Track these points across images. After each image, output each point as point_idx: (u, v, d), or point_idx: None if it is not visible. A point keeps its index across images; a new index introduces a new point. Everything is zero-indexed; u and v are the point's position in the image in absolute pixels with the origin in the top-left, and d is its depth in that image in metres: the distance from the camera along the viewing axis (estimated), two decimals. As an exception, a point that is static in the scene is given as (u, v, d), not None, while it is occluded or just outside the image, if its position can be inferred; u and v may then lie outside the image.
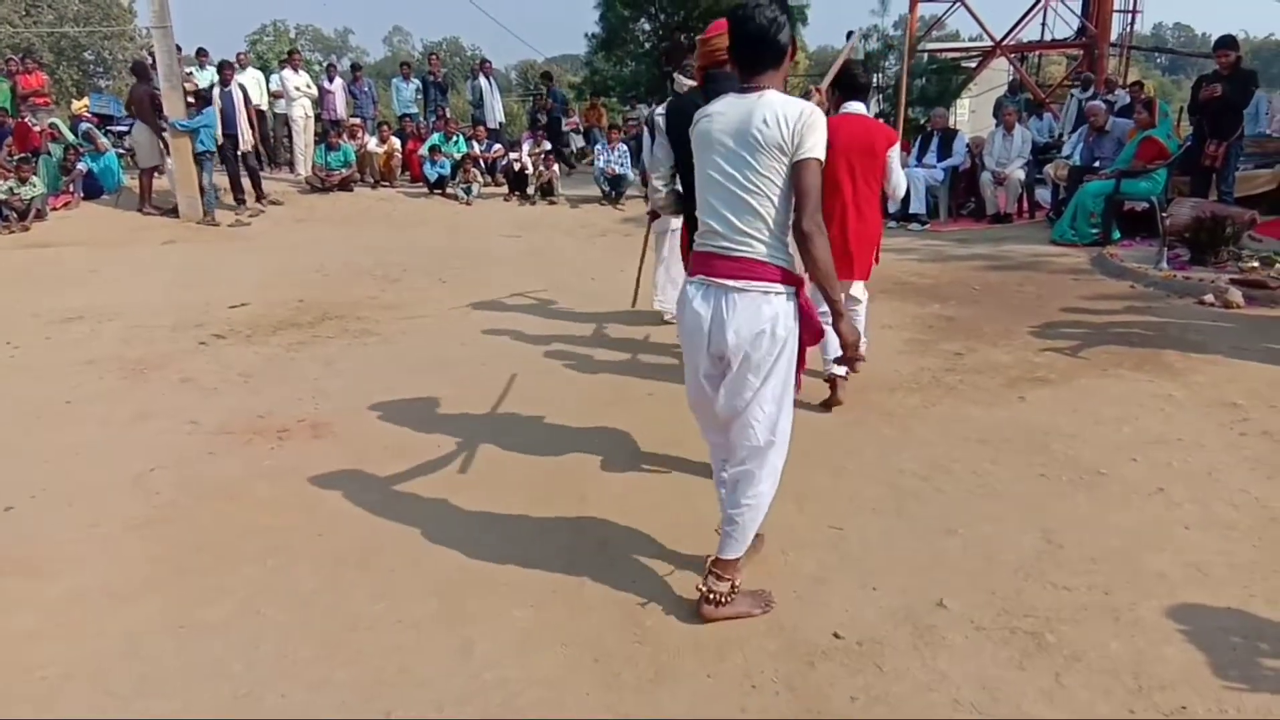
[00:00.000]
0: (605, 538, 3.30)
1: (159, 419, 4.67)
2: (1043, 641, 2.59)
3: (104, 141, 12.95)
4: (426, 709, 2.39)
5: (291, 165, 14.41)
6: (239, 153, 11.96)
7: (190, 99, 11.55)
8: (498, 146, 14.80)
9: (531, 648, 2.64)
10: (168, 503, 3.68)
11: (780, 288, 2.65)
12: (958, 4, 18.65)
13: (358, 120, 14.53)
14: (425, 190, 13.65)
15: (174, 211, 11.62)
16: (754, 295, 2.63)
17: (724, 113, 2.67)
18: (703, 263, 2.72)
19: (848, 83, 4.56)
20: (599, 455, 4.09)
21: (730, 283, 2.64)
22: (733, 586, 2.77)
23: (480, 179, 13.83)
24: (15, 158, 11.13)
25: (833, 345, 3.96)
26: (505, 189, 13.99)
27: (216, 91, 11.75)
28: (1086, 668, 2.46)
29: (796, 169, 2.57)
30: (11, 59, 14.06)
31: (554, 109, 15.93)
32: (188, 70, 12.96)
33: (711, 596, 2.75)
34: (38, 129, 12.31)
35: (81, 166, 12.07)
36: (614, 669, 2.53)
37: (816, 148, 2.56)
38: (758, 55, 2.70)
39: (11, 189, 10.73)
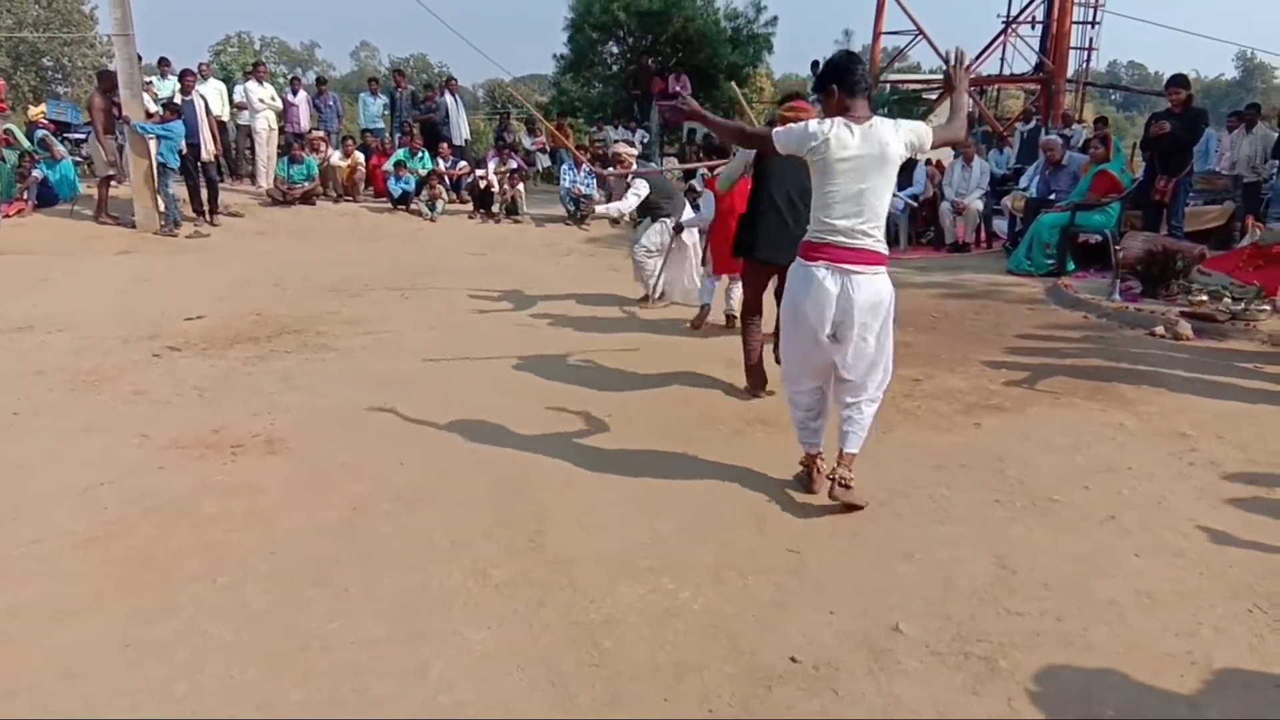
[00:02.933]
0: (565, 557, 3.28)
1: (109, 432, 4.57)
2: (996, 667, 2.61)
3: (60, 149, 12.69)
4: (378, 732, 2.36)
5: (253, 177, 14.24)
6: (200, 163, 11.80)
7: (162, 109, 11.38)
8: (463, 163, 14.78)
9: (488, 670, 2.61)
10: (115, 518, 3.59)
11: (884, 268, 3.59)
12: (919, 37, 19.01)
13: (320, 133, 14.42)
14: (389, 205, 13.57)
15: (132, 221, 11.41)
16: (869, 275, 3.53)
17: (849, 134, 3.45)
18: (824, 251, 3.55)
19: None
20: (559, 473, 4.07)
21: (851, 267, 3.51)
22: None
23: (445, 195, 13.79)
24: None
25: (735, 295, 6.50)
26: (470, 206, 13.96)
27: (178, 100, 11.62)
28: (1038, 693, 2.48)
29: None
30: None
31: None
32: (147, 80, 12.77)
33: (844, 481, 3.63)
34: (-8, 135, 12.06)
35: (36, 174, 11.81)
36: (570, 692, 2.51)
37: (925, 141, 3.61)
38: (863, 86, 3.52)
39: None
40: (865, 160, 3.44)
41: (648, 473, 4.09)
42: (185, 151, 11.35)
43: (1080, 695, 2.47)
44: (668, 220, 7.72)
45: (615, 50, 20.05)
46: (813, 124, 3.52)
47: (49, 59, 38.78)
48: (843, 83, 3.51)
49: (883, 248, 3.58)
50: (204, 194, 11.98)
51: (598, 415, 4.88)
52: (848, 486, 3.63)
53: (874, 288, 3.54)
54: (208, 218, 11.94)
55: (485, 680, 2.57)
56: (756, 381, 5.32)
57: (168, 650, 2.69)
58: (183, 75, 12.35)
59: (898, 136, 3.48)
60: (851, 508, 3.63)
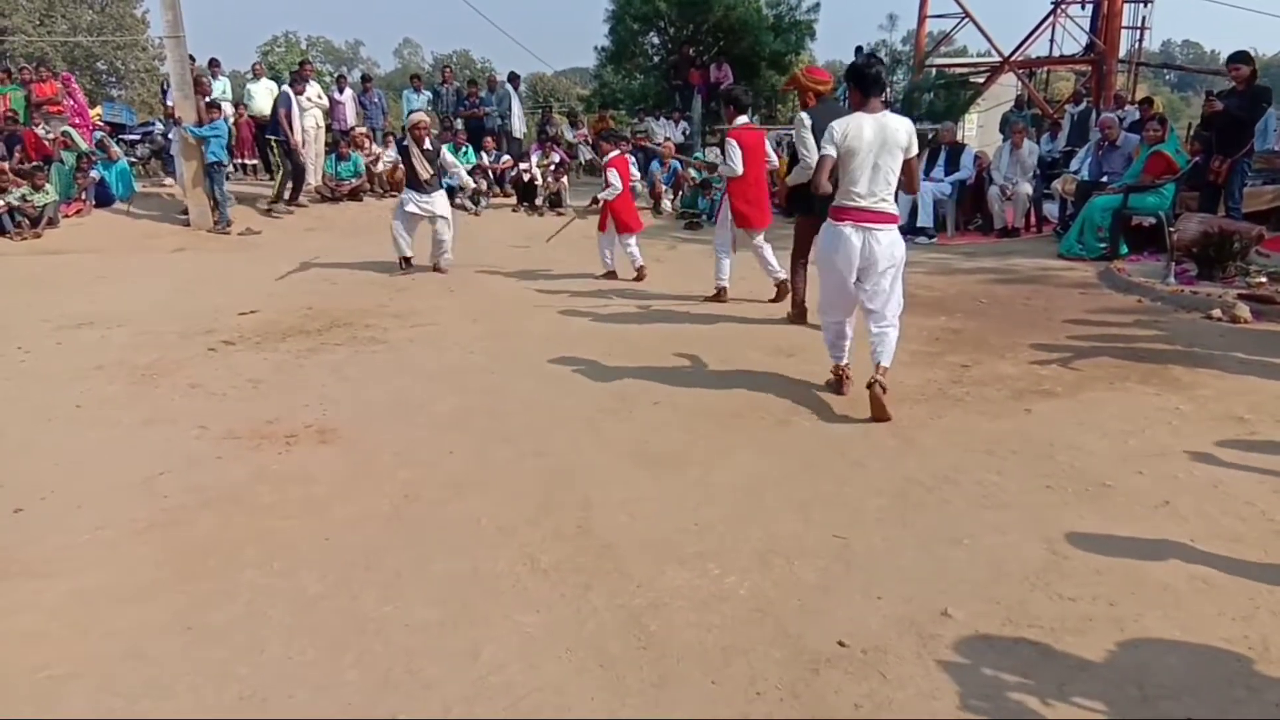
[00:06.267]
0: (611, 543, 3.31)
1: (167, 424, 4.70)
2: (1047, 651, 2.59)
3: (116, 150, 13.04)
4: (432, 711, 2.41)
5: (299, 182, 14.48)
6: (289, 152, 12.71)
7: (206, 108, 11.66)
8: (506, 157, 14.86)
9: (537, 652, 2.65)
10: (175, 506, 3.70)
11: (896, 225, 4.61)
12: (965, 20, 18.67)
13: (364, 130, 14.59)
14: None
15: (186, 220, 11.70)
16: (885, 231, 4.53)
17: (863, 125, 4.45)
18: (849, 214, 4.54)
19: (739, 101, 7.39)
20: (605, 461, 4.11)
21: (871, 226, 4.52)
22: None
23: (487, 190, 13.86)
24: (30, 165, 11.22)
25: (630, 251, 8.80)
26: (514, 200, 14.04)
27: (290, 102, 12.52)
28: (1091, 678, 2.46)
29: (908, 162, 4.55)
30: (25, 67, 14.12)
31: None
32: (210, 80, 13.24)
33: (881, 384, 4.48)
34: (51, 137, 12.39)
35: (94, 174, 12.15)
36: (618, 674, 2.54)
37: (916, 149, 4.56)
38: (876, 87, 4.56)
39: (24, 195, 10.82)
40: (877, 145, 4.44)
41: (694, 461, 4.11)
42: (293, 143, 12.49)
43: (1134, 679, 2.44)
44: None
45: (656, 41, 19.92)
46: (836, 128, 4.49)
47: (103, 63, 39.62)
48: (859, 85, 4.59)
49: (894, 209, 4.61)
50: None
51: (642, 403, 4.92)
52: (884, 389, 4.51)
53: (889, 241, 4.55)
54: (286, 203, 12.78)
55: (535, 662, 2.61)
56: (799, 315, 6.70)
57: (227, 633, 2.77)
58: (294, 80, 13.15)
59: (902, 128, 4.49)
60: (882, 417, 4.48)
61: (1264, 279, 7.09)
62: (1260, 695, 2.36)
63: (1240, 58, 8.84)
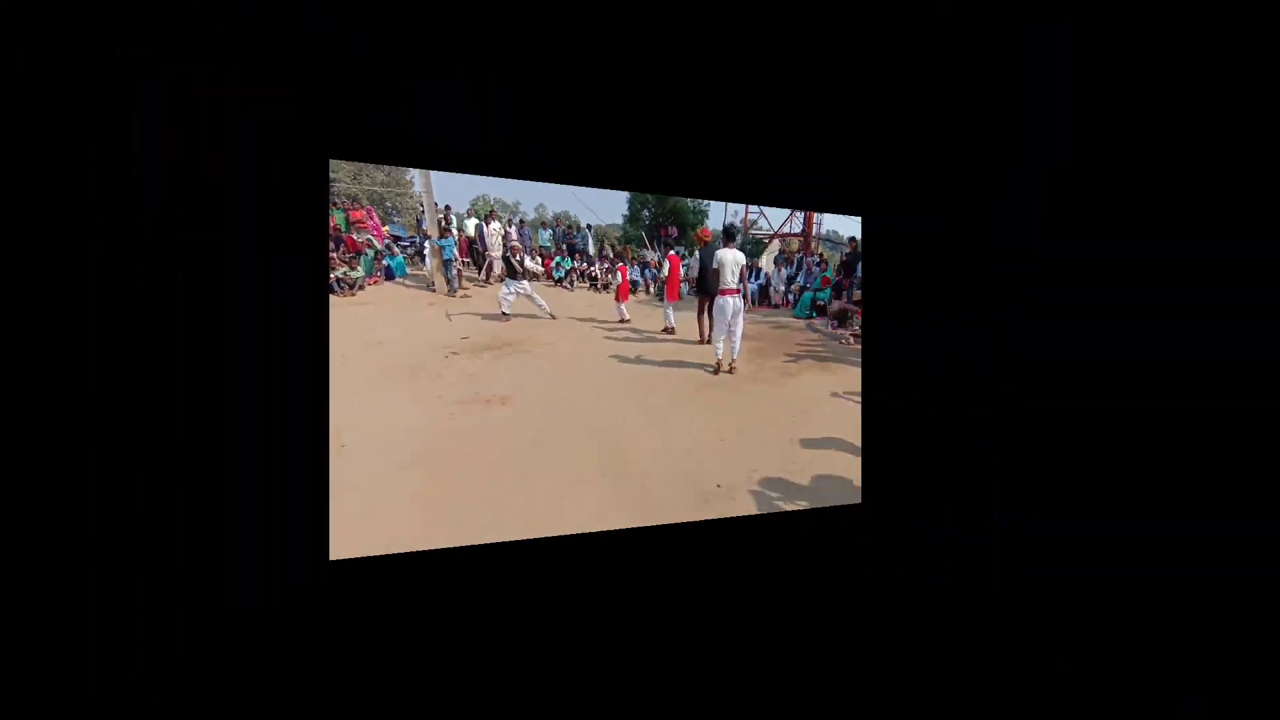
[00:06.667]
0: (626, 449, 3.27)
1: (422, 399, 3.91)
2: (790, 483, 2.78)
3: (397, 249, 11.72)
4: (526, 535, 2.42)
5: (490, 270, 13.54)
6: (483, 255, 11.55)
7: (443, 230, 10.74)
8: (584, 264, 14.02)
9: (592, 501, 2.69)
10: (431, 442, 3.25)
11: (739, 294, 4.41)
12: (761, 214, 18.92)
13: (519, 246, 13.56)
14: (552, 284, 12.74)
15: (432, 287, 10.90)
16: (736, 297, 4.35)
17: (724, 254, 4.34)
18: (724, 292, 4.43)
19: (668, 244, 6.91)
20: (626, 416, 3.85)
21: (732, 297, 4.36)
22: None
23: (576, 280, 13.15)
24: (348, 256, 10.27)
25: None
26: (588, 285, 13.29)
27: (484, 230, 11.09)
28: (803, 491, 2.72)
29: (742, 269, 4.35)
30: (345, 201, 12.89)
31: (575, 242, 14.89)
32: (450, 216, 12.35)
33: (735, 365, 4.37)
34: (360, 240, 11.37)
35: (385, 262, 10.91)
36: (629, 507, 2.65)
37: (744, 263, 4.46)
38: (731, 238, 4.36)
39: (345, 272, 9.72)
40: (730, 262, 4.44)
41: (671, 414, 3.80)
42: (484, 251, 11.02)
43: (817, 490, 2.70)
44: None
45: (647, 214, 19.56)
46: (716, 255, 4.52)
47: (389, 202, 35.82)
48: (727, 236, 4.48)
49: (738, 287, 4.59)
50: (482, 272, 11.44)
51: (645, 385, 4.42)
52: (735, 364, 4.56)
53: (735, 300, 4.54)
54: (484, 282, 11.62)
55: (589, 506, 2.64)
56: (704, 340, 5.90)
57: (462, 505, 2.63)
58: (486, 218, 11.91)
59: (741, 256, 4.53)
60: (732, 372, 4.51)
61: (858, 328, 7.31)
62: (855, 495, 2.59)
63: (851, 237, 9.08)
